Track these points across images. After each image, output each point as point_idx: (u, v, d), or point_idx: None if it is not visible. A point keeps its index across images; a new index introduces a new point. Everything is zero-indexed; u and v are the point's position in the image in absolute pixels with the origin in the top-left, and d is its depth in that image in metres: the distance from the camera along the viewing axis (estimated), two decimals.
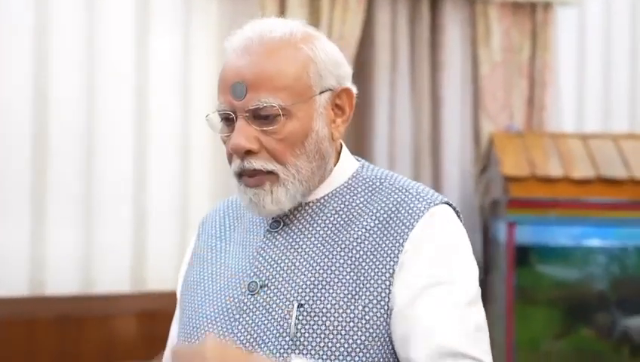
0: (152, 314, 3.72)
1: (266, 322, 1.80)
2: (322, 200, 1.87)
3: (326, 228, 1.85)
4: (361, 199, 1.87)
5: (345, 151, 1.92)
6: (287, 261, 1.83)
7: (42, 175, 3.88)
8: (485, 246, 4.47)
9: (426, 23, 4.57)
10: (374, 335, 1.77)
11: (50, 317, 3.75)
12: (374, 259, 1.80)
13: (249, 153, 1.78)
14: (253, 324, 1.81)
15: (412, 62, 4.56)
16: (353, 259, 1.81)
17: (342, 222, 1.85)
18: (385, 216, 1.83)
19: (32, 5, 3.84)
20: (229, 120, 1.80)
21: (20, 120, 3.83)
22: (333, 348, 1.77)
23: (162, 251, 4.03)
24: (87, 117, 3.95)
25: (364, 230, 1.83)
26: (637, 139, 4.44)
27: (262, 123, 1.77)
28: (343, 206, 1.86)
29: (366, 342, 1.76)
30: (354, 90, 1.85)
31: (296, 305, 1.78)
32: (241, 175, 1.81)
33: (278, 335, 1.78)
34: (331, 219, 1.85)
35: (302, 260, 1.83)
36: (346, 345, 1.76)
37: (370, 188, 1.88)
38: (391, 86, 4.49)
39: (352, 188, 1.88)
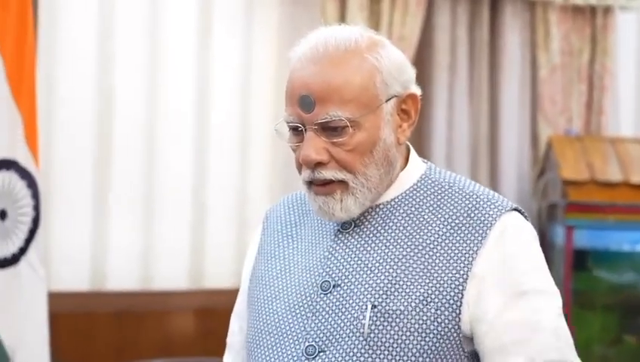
0: (210, 311, 3.75)
1: (339, 321, 1.80)
2: (392, 203, 1.87)
3: (397, 231, 1.84)
4: (431, 203, 1.87)
5: (412, 153, 1.92)
6: (359, 261, 1.84)
7: (105, 175, 3.93)
8: (542, 250, 4.44)
9: (486, 25, 4.57)
10: (445, 338, 1.77)
11: (110, 312, 3.79)
12: (447, 264, 1.80)
13: (319, 164, 1.78)
14: (326, 323, 1.81)
15: (471, 65, 4.55)
16: (425, 262, 1.81)
17: (413, 225, 1.85)
18: (457, 221, 1.83)
19: (96, 8, 3.87)
20: (297, 130, 1.79)
21: (85, 121, 3.89)
22: (406, 349, 1.77)
23: (220, 249, 4.06)
24: (149, 118, 4.01)
25: (436, 235, 1.83)
26: None
27: (330, 134, 1.76)
28: (413, 209, 1.87)
29: (437, 344, 1.77)
30: (419, 92, 1.84)
31: (369, 306, 1.78)
32: (311, 183, 1.82)
33: (351, 334, 1.78)
34: (402, 221, 1.85)
35: (374, 261, 1.83)
36: (418, 347, 1.77)
37: (439, 192, 1.88)
38: (449, 88, 4.49)
39: (422, 191, 1.88)
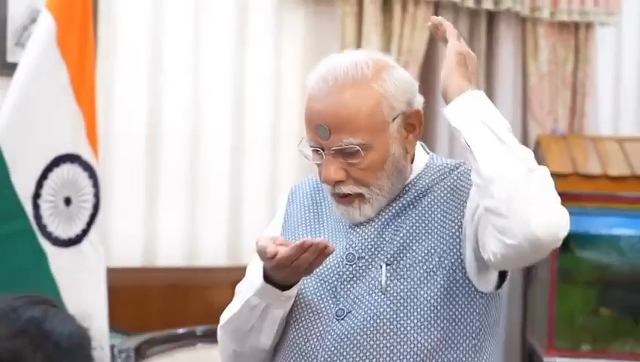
0: None
1: (361, 285, 1.84)
2: (405, 189, 1.91)
3: (408, 208, 1.89)
4: (435, 182, 1.90)
5: (417, 148, 1.94)
6: (378, 236, 1.87)
7: (155, 166, 3.95)
8: None
9: (483, 38, 4.56)
10: (452, 280, 1.83)
11: (160, 286, 3.81)
12: (445, 221, 1.85)
13: (338, 181, 1.82)
14: (352, 289, 1.85)
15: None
16: (428, 225, 1.85)
17: (420, 200, 1.89)
18: (452, 190, 1.89)
19: (147, 21, 3.89)
20: (317, 152, 1.83)
21: (137, 120, 3.91)
22: (418, 296, 1.82)
23: (255, 230, 4.06)
24: (193, 117, 4.02)
25: (437, 204, 1.87)
26: None
27: (346, 157, 1.80)
28: (420, 189, 1.90)
29: (444, 288, 1.83)
30: (421, 105, 1.88)
31: (384, 265, 1.82)
32: (334, 195, 1.86)
33: (372, 292, 1.83)
34: (411, 201, 1.89)
35: (390, 236, 1.86)
36: (428, 293, 1.82)
37: (441, 173, 1.91)
38: None
39: (427, 177, 1.91)
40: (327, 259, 1.83)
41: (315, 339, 1.84)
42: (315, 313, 1.87)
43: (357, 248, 1.86)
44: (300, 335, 1.87)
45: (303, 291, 1.89)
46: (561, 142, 4.40)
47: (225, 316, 1.97)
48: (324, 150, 1.81)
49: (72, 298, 3.09)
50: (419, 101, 1.88)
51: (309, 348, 1.85)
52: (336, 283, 1.86)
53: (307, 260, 1.74)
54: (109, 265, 3.39)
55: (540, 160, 4.25)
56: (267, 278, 1.82)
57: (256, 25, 4.11)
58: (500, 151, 1.71)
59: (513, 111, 4.63)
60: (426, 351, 1.80)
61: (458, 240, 1.84)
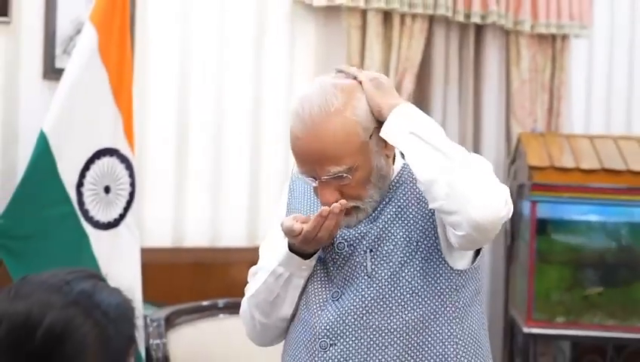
0: None
1: (349, 269, 1.84)
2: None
3: (387, 199, 1.88)
4: (409, 182, 1.88)
5: (396, 154, 1.91)
6: (360, 226, 1.86)
7: (183, 158, 3.94)
8: (512, 220, 4.43)
9: (472, 48, 4.54)
10: (431, 262, 1.82)
11: (187, 264, 3.81)
12: (419, 209, 1.85)
13: (335, 202, 1.78)
14: (342, 271, 1.85)
15: (460, 78, 4.53)
16: (401, 214, 1.85)
17: (398, 192, 1.88)
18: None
19: (178, 32, 3.89)
20: (313, 178, 1.82)
21: (168, 118, 3.91)
22: (400, 278, 1.82)
23: (270, 215, 4.07)
24: (216, 114, 4.01)
25: (413, 197, 1.86)
26: (632, 140, 4.38)
27: (337, 180, 1.78)
28: (398, 189, 1.89)
29: (424, 270, 1.82)
30: None
31: (368, 251, 1.83)
32: None
33: (359, 276, 1.83)
34: (390, 194, 1.89)
35: (371, 222, 1.86)
36: (409, 275, 1.82)
37: (413, 180, 1.86)
38: (443, 96, 4.47)
39: (403, 179, 1.89)
40: (324, 248, 1.87)
41: (317, 318, 1.85)
42: (314, 293, 1.88)
43: (345, 237, 1.86)
44: (305, 312, 1.89)
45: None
46: (540, 139, 4.38)
47: (250, 291, 1.97)
48: (316, 178, 1.81)
49: (111, 274, 3.10)
50: None
51: (310, 326, 1.86)
52: (331, 268, 1.87)
53: (329, 227, 1.75)
54: (142, 246, 3.41)
55: (521, 155, 4.29)
56: (291, 250, 1.85)
57: (273, 35, 4.10)
58: (431, 156, 1.73)
59: (498, 112, 4.62)
60: (410, 326, 1.80)
61: (433, 225, 1.83)
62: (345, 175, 1.77)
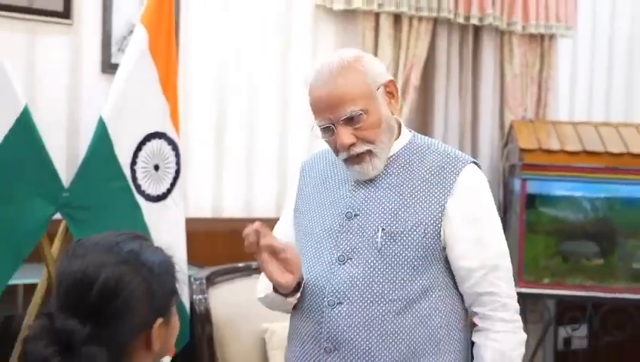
0: None
1: (360, 239, 1.82)
2: (391, 159, 1.88)
3: (395, 179, 1.86)
4: (416, 158, 1.87)
5: (402, 126, 1.93)
6: (370, 199, 1.84)
7: (221, 140, 3.96)
8: (505, 195, 4.45)
9: (470, 46, 4.54)
10: (430, 248, 1.80)
11: (225, 232, 3.78)
12: (430, 200, 1.82)
13: (351, 145, 1.80)
14: (351, 241, 1.83)
15: (460, 73, 4.53)
16: (416, 197, 1.82)
17: (406, 174, 1.86)
18: (435, 170, 1.85)
19: (218, 34, 3.90)
20: (327, 129, 1.81)
21: (208, 105, 3.93)
22: (405, 256, 1.79)
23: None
24: (249, 103, 4.02)
25: (421, 180, 1.84)
26: (610, 126, 4.39)
27: (352, 123, 1.79)
28: (404, 163, 1.87)
29: (425, 253, 1.80)
30: (392, 77, 1.87)
31: (380, 229, 1.80)
32: (347, 159, 1.83)
33: (369, 249, 1.81)
34: (397, 173, 1.86)
35: (380, 199, 1.84)
36: (413, 254, 1.80)
37: (421, 151, 1.89)
38: (446, 88, 4.47)
39: (409, 151, 1.89)
40: (331, 216, 1.87)
41: (324, 280, 1.83)
42: (321, 258, 1.85)
43: (354, 207, 1.84)
44: (311, 277, 1.86)
45: (312, 238, 1.89)
46: (529, 125, 4.39)
47: (258, 294, 2.02)
48: (334, 124, 1.80)
49: (159, 241, 3.13)
50: (390, 77, 1.88)
51: (319, 287, 1.84)
52: (337, 234, 1.84)
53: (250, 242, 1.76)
54: (187, 216, 3.42)
55: (513, 139, 4.30)
56: (276, 290, 1.86)
57: (299, 35, 4.11)
58: None
59: (493, 103, 4.62)
60: (410, 298, 1.78)
61: (440, 217, 1.80)
62: (360, 113, 1.77)
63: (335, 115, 1.78)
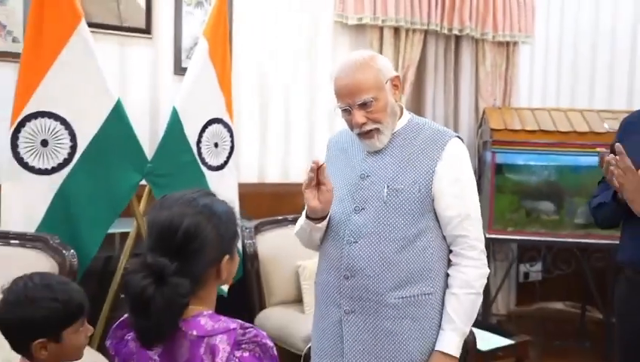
0: None
1: (370, 193, 1.82)
2: (396, 134, 1.86)
3: (397, 149, 1.85)
4: (414, 134, 1.86)
5: (404, 109, 1.91)
6: (379, 164, 1.84)
7: (265, 123, 3.95)
8: (479, 165, 4.42)
9: (452, 51, 4.49)
10: (424, 201, 1.80)
11: (268, 193, 3.84)
12: (424, 161, 1.81)
13: (363, 124, 1.79)
14: (364, 195, 1.83)
15: (445, 72, 4.49)
16: (413, 161, 1.82)
17: (405, 145, 1.85)
18: (428, 141, 1.84)
19: (258, 39, 3.88)
20: (346, 111, 1.81)
21: (254, 96, 3.91)
22: (404, 206, 1.79)
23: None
24: (284, 93, 4.00)
25: (417, 149, 1.83)
26: (560, 110, 4.31)
27: (365, 108, 1.78)
28: (404, 137, 1.86)
29: (419, 204, 1.80)
30: (397, 73, 1.85)
31: (386, 186, 1.80)
32: (360, 134, 1.83)
33: (377, 200, 1.80)
34: (398, 145, 1.85)
35: (386, 164, 1.83)
36: (411, 205, 1.79)
37: (418, 128, 1.87)
38: (434, 83, 4.43)
39: (408, 128, 1.87)
40: (349, 177, 1.85)
41: (343, 224, 1.83)
42: (342, 208, 1.84)
43: (366, 170, 1.84)
44: (334, 221, 1.86)
45: (336, 197, 1.86)
46: (498, 111, 4.34)
47: (295, 228, 2.00)
48: (351, 107, 1.79)
49: (220, 196, 3.14)
50: (395, 73, 1.85)
51: (340, 230, 1.83)
52: (354, 191, 1.84)
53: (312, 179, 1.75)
54: (239, 181, 3.42)
55: (485, 121, 4.28)
56: (308, 217, 1.86)
57: (321, 45, 4.08)
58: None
59: (470, 94, 4.57)
60: (408, 238, 1.78)
61: (431, 177, 1.79)
62: (371, 100, 1.76)
63: (353, 100, 1.77)
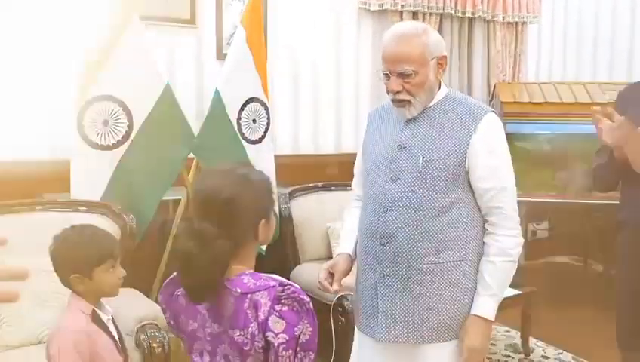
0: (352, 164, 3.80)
1: (406, 164, 1.71)
2: (432, 106, 1.74)
3: (434, 121, 1.73)
4: (450, 107, 1.73)
5: (442, 84, 1.77)
6: (415, 136, 1.73)
7: (295, 101, 3.91)
8: None
9: (466, 32, 4.39)
10: (458, 171, 1.67)
11: (300, 164, 3.78)
12: (459, 135, 1.68)
13: (398, 92, 1.68)
14: (400, 165, 1.72)
15: (459, 50, 4.39)
16: (449, 133, 1.69)
17: (441, 118, 1.72)
18: (464, 114, 1.71)
19: (291, 28, 3.83)
20: (386, 75, 1.69)
21: (286, 76, 3.86)
22: (439, 177, 1.67)
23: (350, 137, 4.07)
24: (313, 75, 3.96)
25: (453, 121, 1.71)
26: (564, 84, 4.19)
27: (403, 77, 1.66)
28: (441, 111, 1.73)
29: (453, 175, 1.67)
30: (446, 53, 1.73)
31: (421, 157, 1.69)
32: (394, 100, 1.72)
33: (412, 171, 1.70)
34: (435, 117, 1.73)
35: (422, 136, 1.72)
36: (445, 175, 1.67)
37: (455, 102, 1.74)
38: (449, 63, 4.34)
39: (445, 102, 1.74)
40: (387, 148, 1.75)
41: (381, 193, 1.73)
42: (380, 177, 1.75)
43: (402, 141, 1.72)
44: (372, 190, 1.77)
45: (375, 163, 1.77)
46: (508, 86, 4.25)
47: (343, 223, 1.95)
48: (391, 73, 1.66)
49: (259, 166, 3.13)
50: (445, 53, 1.72)
51: (378, 198, 1.74)
52: (390, 161, 1.73)
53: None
54: (275, 153, 3.40)
55: (497, 95, 4.18)
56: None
57: (346, 29, 4.02)
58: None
59: (482, 70, 4.46)
60: (443, 206, 1.67)
61: (466, 149, 1.65)
62: (411, 73, 1.63)
63: (394, 67, 1.64)
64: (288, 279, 1.32)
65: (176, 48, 3.46)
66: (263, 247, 3.10)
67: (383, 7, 3.97)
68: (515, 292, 3.17)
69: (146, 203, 2.89)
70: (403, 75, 1.65)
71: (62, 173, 2.77)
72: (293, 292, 1.26)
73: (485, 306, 1.68)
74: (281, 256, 3.28)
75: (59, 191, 2.82)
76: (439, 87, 1.76)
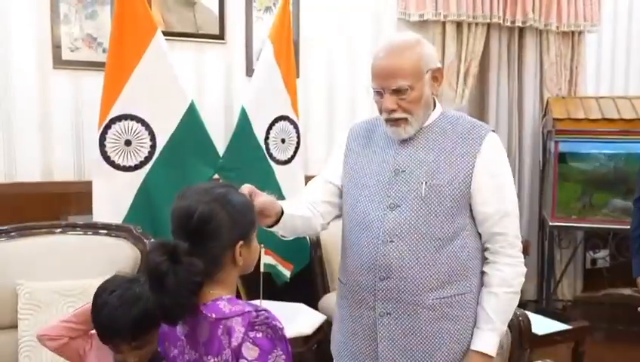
0: None
1: (406, 190, 1.65)
2: (428, 127, 1.69)
3: (432, 143, 1.68)
4: (449, 126, 1.68)
5: (437, 102, 1.72)
6: (414, 159, 1.67)
7: (331, 118, 3.88)
8: (544, 153, 4.19)
9: (516, 42, 4.26)
10: (461, 198, 1.63)
11: None
12: (461, 160, 1.64)
13: (392, 110, 1.63)
14: (400, 191, 1.66)
15: (508, 63, 4.26)
16: (450, 157, 1.64)
17: (441, 139, 1.67)
18: (463, 136, 1.66)
19: (323, 41, 3.82)
20: (378, 93, 1.64)
21: (319, 93, 3.85)
22: (442, 204, 1.61)
23: None
24: (349, 90, 3.92)
25: (454, 143, 1.66)
26: (625, 99, 4.00)
27: (398, 94, 1.61)
28: (439, 130, 1.69)
29: (457, 202, 1.63)
30: (440, 65, 1.67)
31: (424, 183, 1.63)
32: (388, 120, 1.66)
33: (414, 198, 1.64)
34: (433, 138, 1.68)
35: (421, 158, 1.66)
36: (448, 203, 1.62)
37: (453, 121, 1.69)
38: (497, 75, 4.23)
39: (443, 121, 1.70)
40: (381, 172, 1.68)
41: (377, 221, 1.65)
42: (375, 205, 1.67)
43: (400, 165, 1.67)
44: (365, 218, 1.67)
45: (365, 189, 1.69)
46: (562, 101, 4.09)
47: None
48: (384, 90, 1.61)
49: (287, 191, 3.13)
50: (439, 65, 1.67)
51: (374, 228, 1.65)
52: (387, 186, 1.66)
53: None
54: (305, 174, 3.38)
55: (549, 111, 4.03)
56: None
57: (361, 34, 3.93)
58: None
59: (534, 84, 4.32)
60: (448, 236, 1.62)
61: (471, 172, 1.61)
62: (406, 88, 1.58)
63: (387, 83, 1.60)
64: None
65: (204, 64, 3.49)
66: (288, 274, 3.06)
67: (424, 18, 3.90)
68: (564, 327, 3.03)
69: (168, 225, 2.90)
70: (398, 92, 1.60)
71: (87, 194, 2.83)
72: (267, 318, 1.27)
73: (487, 341, 1.63)
74: (310, 282, 3.23)
75: (85, 213, 2.87)
76: (434, 105, 1.70)
